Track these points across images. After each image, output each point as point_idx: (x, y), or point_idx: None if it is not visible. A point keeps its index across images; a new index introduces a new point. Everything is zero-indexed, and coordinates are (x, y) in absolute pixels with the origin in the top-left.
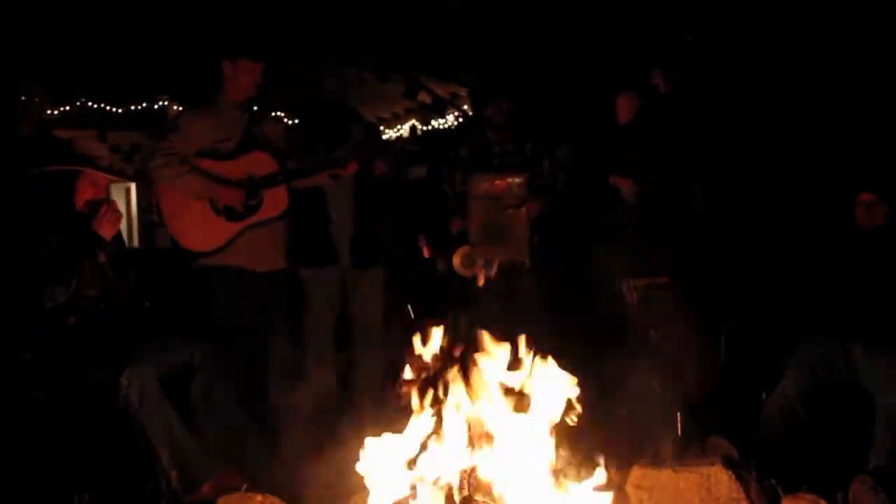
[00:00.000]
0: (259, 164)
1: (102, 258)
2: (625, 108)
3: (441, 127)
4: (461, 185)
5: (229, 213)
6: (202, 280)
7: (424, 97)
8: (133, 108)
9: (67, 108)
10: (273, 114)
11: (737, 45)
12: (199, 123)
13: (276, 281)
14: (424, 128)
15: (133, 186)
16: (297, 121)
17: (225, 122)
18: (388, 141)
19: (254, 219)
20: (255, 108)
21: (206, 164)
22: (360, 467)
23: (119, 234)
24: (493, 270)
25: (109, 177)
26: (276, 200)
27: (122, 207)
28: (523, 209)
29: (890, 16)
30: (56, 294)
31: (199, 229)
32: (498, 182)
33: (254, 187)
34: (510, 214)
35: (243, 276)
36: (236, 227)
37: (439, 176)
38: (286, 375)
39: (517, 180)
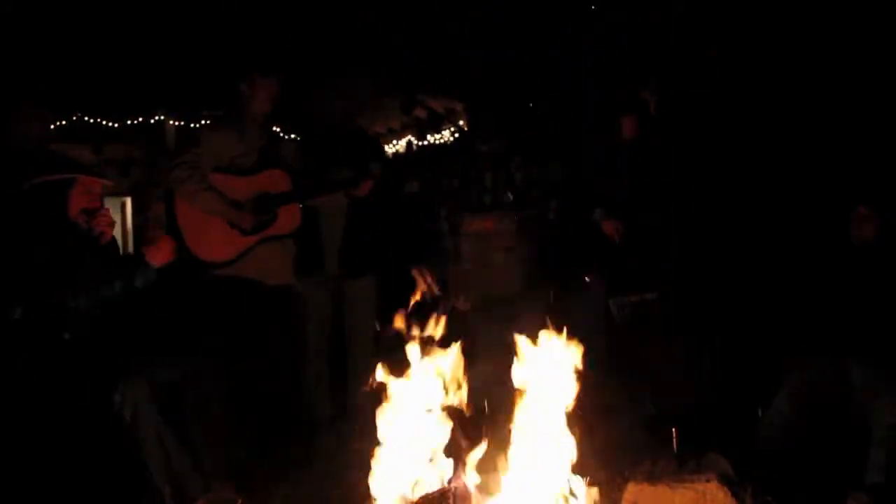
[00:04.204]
0: (275, 181)
1: (99, 268)
2: (628, 126)
3: (437, 142)
4: (452, 221)
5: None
6: (207, 293)
7: (420, 112)
8: (129, 122)
9: (63, 122)
10: (287, 136)
11: (733, 58)
12: (219, 139)
13: (283, 294)
14: (420, 143)
15: (129, 200)
16: (307, 141)
17: (245, 139)
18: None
19: (266, 233)
20: (275, 128)
21: (224, 179)
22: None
23: (115, 243)
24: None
25: (103, 181)
26: (289, 217)
27: (117, 221)
28: (513, 247)
29: (887, 28)
30: (55, 296)
31: (214, 241)
32: (488, 222)
33: (267, 204)
34: (500, 252)
35: (254, 288)
36: (249, 240)
37: (433, 190)
38: (285, 387)
39: (507, 220)
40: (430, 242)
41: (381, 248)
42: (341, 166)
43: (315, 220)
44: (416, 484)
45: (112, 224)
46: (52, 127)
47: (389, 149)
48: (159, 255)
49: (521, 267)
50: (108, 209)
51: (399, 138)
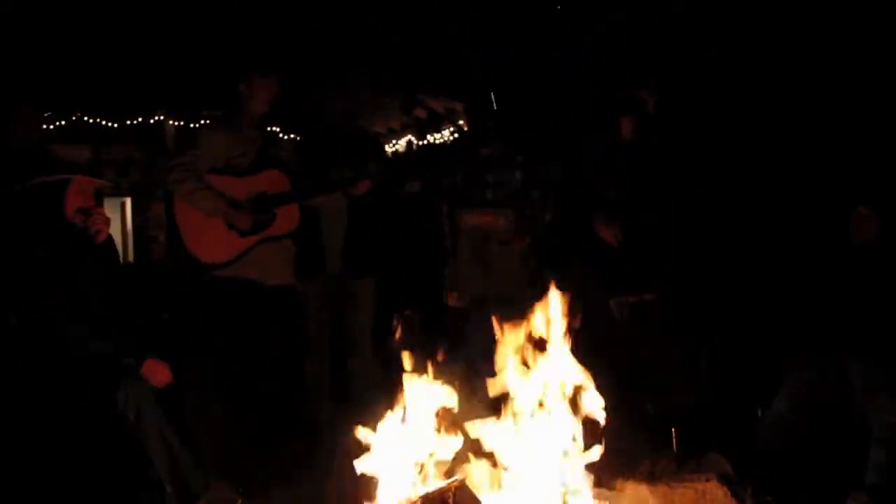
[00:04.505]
0: (273, 181)
1: (98, 267)
2: (626, 126)
3: (437, 142)
4: (451, 217)
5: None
6: (207, 294)
7: (420, 112)
8: (129, 122)
9: (62, 122)
10: (286, 136)
11: (733, 58)
12: (217, 139)
13: (283, 294)
14: (420, 143)
15: (128, 201)
16: (306, 141)
17: (242, 139)
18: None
19: (266, 233)
20: (270, 129)
21: (222, 180)
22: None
23: (112, 241)
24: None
25: (96, 181)
26: (287, 217)
27: (117, 222)
28: (512, 244)
29: (887, 28)
30: (54, 296)
31: (213, 242)
32: (487, 217)
33: (265, 204)
34: (498, 249)
35: (254, 288)
36: (248, 241)
37: (434, 189)
38: (285, 387)
39: (504, 216)
40: (431, 242)
41: (382, 249)
42: (340, 166)
43: (316, 220)
44: (415, 483)
45: (107, 222)
46: (51, 127)
47: (389, 149)
48: (156, 376)
49: (519, 263)
50: (102, 208)
51: (399, 138)
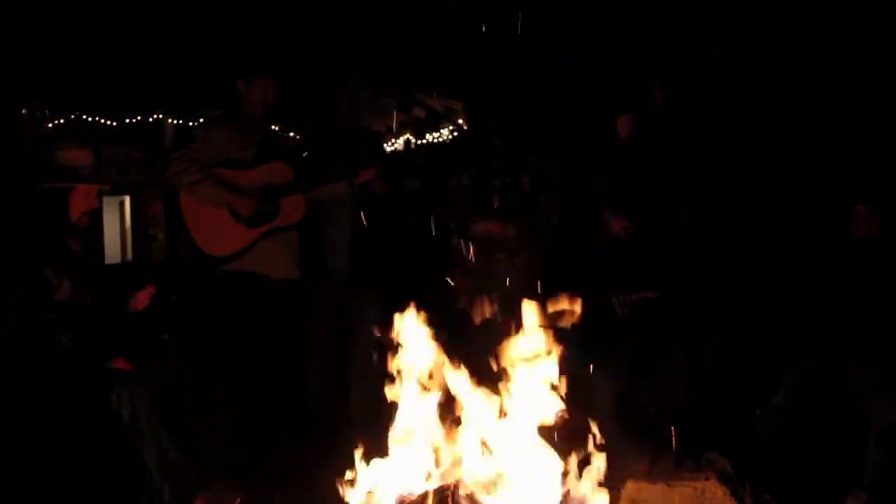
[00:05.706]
0: (276, 173)
1: (98, 266)
2: (623, 125)
3: (436, 141)
4: (457, 221)
5: (248, 219)
6: (215, 288)
7: (419, 111)
8: (128, 121)
9: (62, 121)
10: (287, 134)
11: (733, 58)
12: (217, 134)
13: (287, 290)
14: (419, 142)
15: (127, 199)
16: (308, 140)
17: (242, 133)
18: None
19: (271, 225)
20: (272, 126)
21: (224, 172)
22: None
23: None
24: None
25: (98, 187)
26: (293, 209)
27: (116, 220)
28: (517, 251)
29: (887, 28)
30: (62, 291)
31: (220, 235)
32: (492, 226)
33: (269, 195)
34: (503, 256)
35: (260, 282)
36: (255, 232)
37: (439, 189)
38: (287, 386)
39: (511, 225)
40: (435, 245)
41: (389, 256)
42: (341, 164)
43: (320, 220)
44: (414, 483)
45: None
46: (51, 126)
47: (388, 147)
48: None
49: (524, 271)
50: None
51: (398, 137)
